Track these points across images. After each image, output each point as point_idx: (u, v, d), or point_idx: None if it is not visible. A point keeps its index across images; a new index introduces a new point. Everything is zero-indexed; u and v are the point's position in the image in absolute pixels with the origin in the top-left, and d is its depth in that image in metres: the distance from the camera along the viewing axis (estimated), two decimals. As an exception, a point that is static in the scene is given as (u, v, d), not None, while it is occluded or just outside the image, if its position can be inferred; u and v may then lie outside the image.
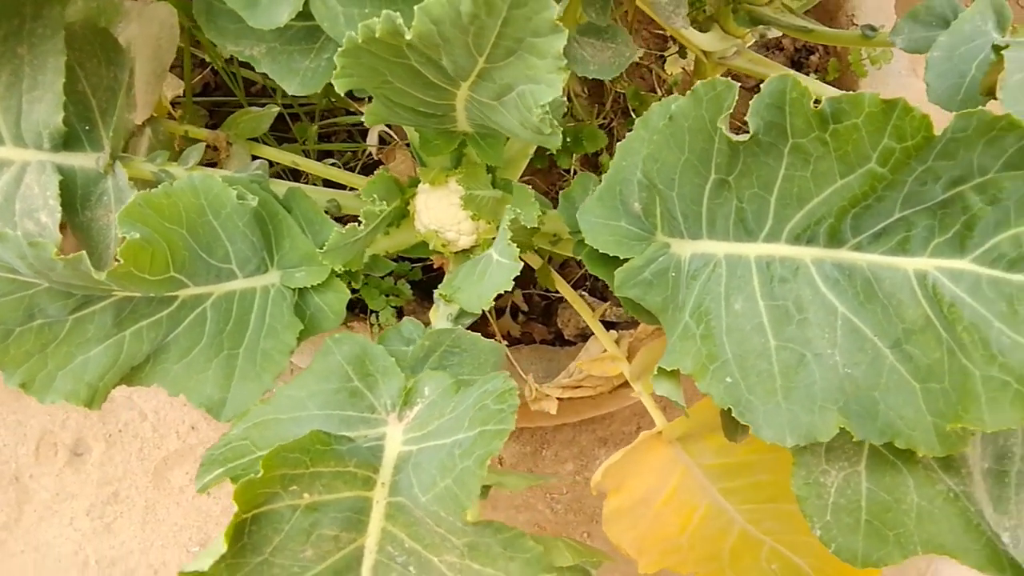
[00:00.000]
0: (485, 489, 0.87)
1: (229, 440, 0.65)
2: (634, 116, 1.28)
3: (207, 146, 0.95)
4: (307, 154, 1.16)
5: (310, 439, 0.59)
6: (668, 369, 0.61)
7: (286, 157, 0.93)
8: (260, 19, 0.59)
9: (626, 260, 0.68)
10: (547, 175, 1.24)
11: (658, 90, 1.31)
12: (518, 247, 0.79)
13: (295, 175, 1.12)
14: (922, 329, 0.53)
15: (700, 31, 0.99)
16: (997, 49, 0.55)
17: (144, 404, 1.67)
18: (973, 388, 0.50)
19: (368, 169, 1.19)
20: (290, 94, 0.65)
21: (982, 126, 0.45)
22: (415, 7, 0.48)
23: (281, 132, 1.19)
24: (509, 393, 0.57)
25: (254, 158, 0.91)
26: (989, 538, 0.54)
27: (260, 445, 0.63)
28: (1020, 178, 0.48)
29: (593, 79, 1.29)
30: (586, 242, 0.69)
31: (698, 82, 0.57)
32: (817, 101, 0.52)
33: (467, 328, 0.91)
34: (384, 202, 0.73)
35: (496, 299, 1.19)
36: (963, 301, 0.51)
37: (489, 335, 1.13)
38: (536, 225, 0.69)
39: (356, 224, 0.71)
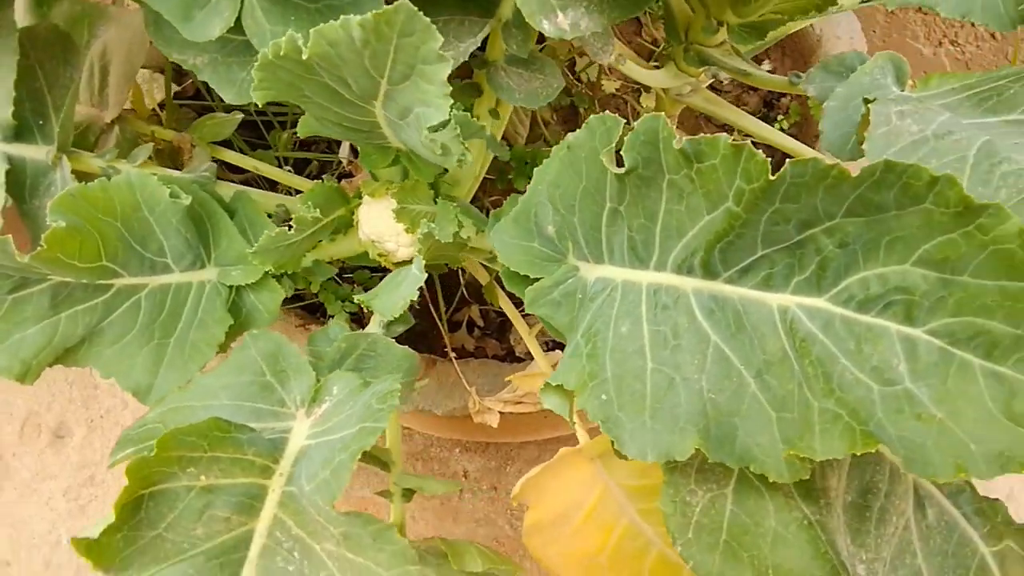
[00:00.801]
0: (408, 492, 0.91)
1: (145, 422, 0.69)
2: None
3: (175, 147, 1.00)
4: (283, 161, 1.21)
5: (208, 425, 0.62)
6: (553, 384, 0.64)
7: (247, 162, 0.98)
8: (195, 32, 0.63)
9: (537, 280, 0.72)
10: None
11: (631, 121, 1.34)
12: (446, 262, 0.82)
13: (272, 184, 1.17)
14: (780, 361, 0.56)
15: (658, 67, 1.03)
16: (867, 102, 0.58)
17: (127, 392, 1.73)
18: (811, 419, 0.52)
19: (342, 179, 1.24)
20: (227, 102, 0.70)
21: (818, 173, 0.48)
22: (311, 30, 0.53)
23: (258, 139, 1.24)
24: (391, 394, 0.60)
25: (215, 160, 0.96)
26: (834, 566, 0.56)
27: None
28: (862, 224, 0.51)
29: (570, 107, 1.34)
30: (500, 260, 0.72)
31: (592, 116, 0.61)
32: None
33: (408, 339, 0.95)
34: (318, 210, 0.77)
35: (453, 313, 1.24)
36: (815, 337, 0.54)
37: (442, 347, 1.17)
38: (451, 240, 0.73)
39: (287, 229, 0.75)
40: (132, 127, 0.95)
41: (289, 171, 0.99)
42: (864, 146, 0.56)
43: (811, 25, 1.37)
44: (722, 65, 0.93)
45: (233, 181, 1.09)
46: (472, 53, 0.75)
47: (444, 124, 0.57)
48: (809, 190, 0.50)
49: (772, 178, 0.49)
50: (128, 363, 0.76)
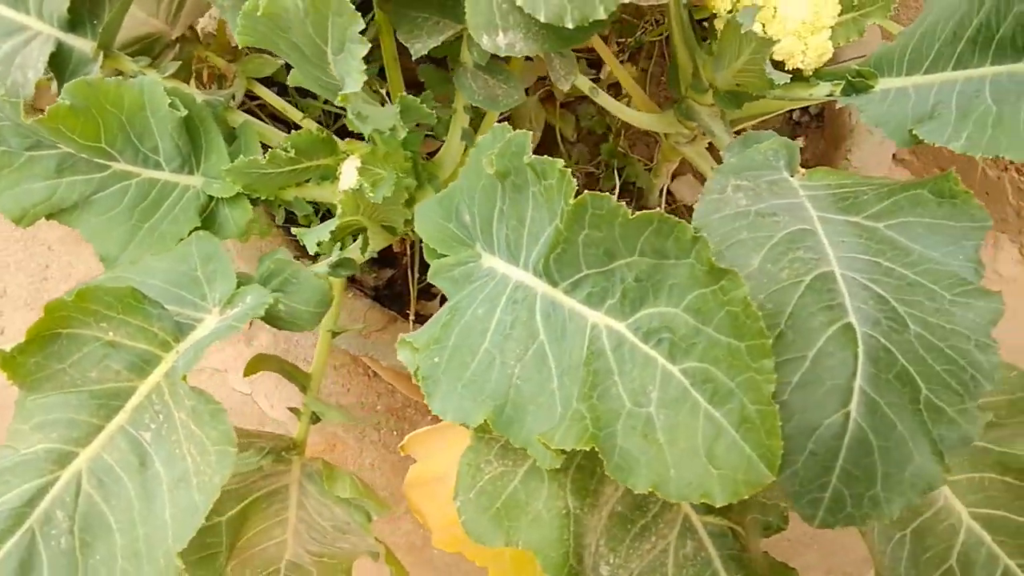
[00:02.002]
0: (315, 416, 1.02)
1: (91, 282, 0.83)
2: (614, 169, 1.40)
3: (222, 74, 1.15)
4: (331, 116, 1.35)
5: (125, 292, 0.75)
6: (408, 340, 0.74)
7: (276, 101, 1.12)
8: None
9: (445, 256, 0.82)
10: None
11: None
12: (384, 225, 0.94)
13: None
14: (576, 367, 0.64)
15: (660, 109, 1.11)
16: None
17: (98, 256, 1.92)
18: (566, 415, 0.60)
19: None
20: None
21: (611, 210, 0.57)
22: (267, -9, 0.64)
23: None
24: (260, 306, 0.72)
25: (251, 96, 1.10)
26: (567, 552, 0.64)
27: (108, 291, 0.81)
28: (652, 265, 0.59)
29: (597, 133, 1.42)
30: (417, 231, 0.83)
31: (496, 124, 0.70)
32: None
33: (386, 298, 1.07)
34: (295, 151, 0.89)
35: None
36: (604, 353, 0.62)
37: (405, 310, 1.29)
38: (385, 201, 0.84)
39: (258, 159, 0.87)
40: (191, 48, 1.10)
41: (319, 123, 1.12)
42: (696, 206, 0.63)
43: (849, 114, 1.41)
44: (701, 123, 1.00)
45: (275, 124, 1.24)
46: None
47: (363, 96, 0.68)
48: (608, 224, 0.58)
49: (576, 203, 0.58)
50: (106, 234, 0.90)
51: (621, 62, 1.44)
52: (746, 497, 0.51)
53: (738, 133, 1.47)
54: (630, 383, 0.60)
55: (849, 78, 0.84)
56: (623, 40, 1.44)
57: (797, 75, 0.89)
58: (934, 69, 0.76)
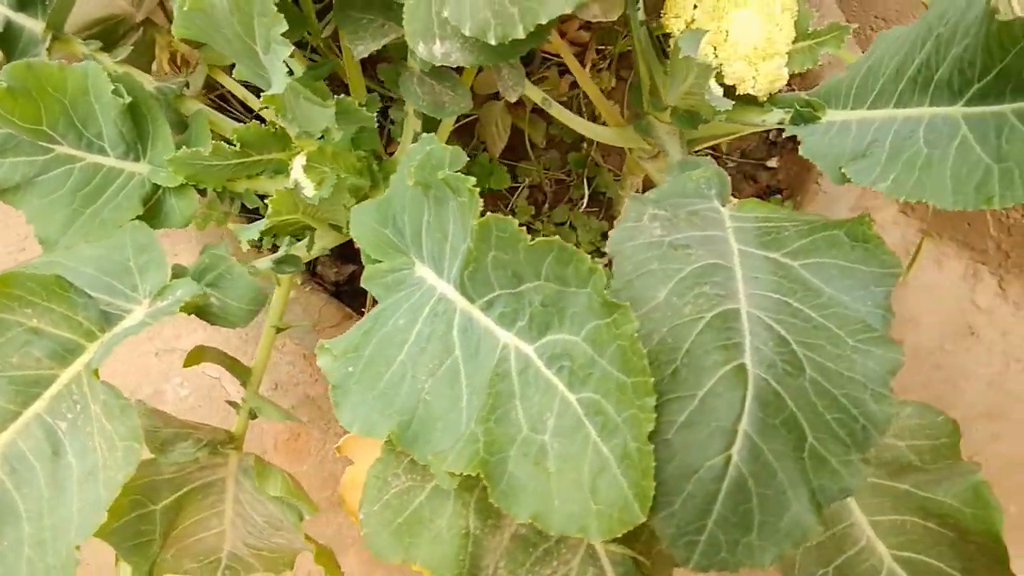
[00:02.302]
0: (251, 412, 1.02)
1: (25, 266, 0.83)
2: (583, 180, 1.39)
3: (185, 59, 1.14)
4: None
5: (50, 280, 0.75)
6: (327, 346, 0.73)
7: (238, 90, 1.11)
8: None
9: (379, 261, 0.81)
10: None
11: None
12: (332, 224, 0.93)
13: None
14: (483, 388, 0.63)
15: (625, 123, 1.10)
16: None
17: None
18: (460, 436, 0.60)
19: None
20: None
21: (514, 234, 0.56)
22: (192, -11, 0.64)
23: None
24: (178, 302, 0.72)
25: (215, 84, 1.10)
26: (460, 573, 0.63)
27: (38, 276, 0.80)
28: (556, 292, 0.58)
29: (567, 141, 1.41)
30: (352, 235, 0.82)
31: (423, 135, 0.69)
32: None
33: (346, 294, 1.06)
34: (240, 145, 0.89)
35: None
36: (510, 375, 0.62)
37: (363, 308, 1.28)
38: (316, 202, 0.83)
39: (201, 151, 0.87)
40: (153, 31, 1.09)
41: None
42: (610, 233, 0.62)
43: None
44: (658, 141, 0.99)
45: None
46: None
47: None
48: (512, 247, 0.57)
49: (481, 223, 0.57)
50: (47, 217, 0.90)
51: (599, 70, 1.43)
52: (619, 535, 0.50)
53: (713, 150, 1.46)
54: (530, 408, 0.59)
55: (798, 107, 0.83)
56: (604, 48, 1.43)
57: (751, 100, 0.89)
58: (877, 105, 0.75)
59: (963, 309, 1.94)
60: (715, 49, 0.84)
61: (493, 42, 0.60)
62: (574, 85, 1.40)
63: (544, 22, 0.57)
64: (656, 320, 0.58)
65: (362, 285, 0.82)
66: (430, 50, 0.70)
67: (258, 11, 0.62)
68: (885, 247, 0.59)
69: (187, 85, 0.99)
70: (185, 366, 1.01)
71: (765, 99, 0.90)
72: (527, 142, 1.32)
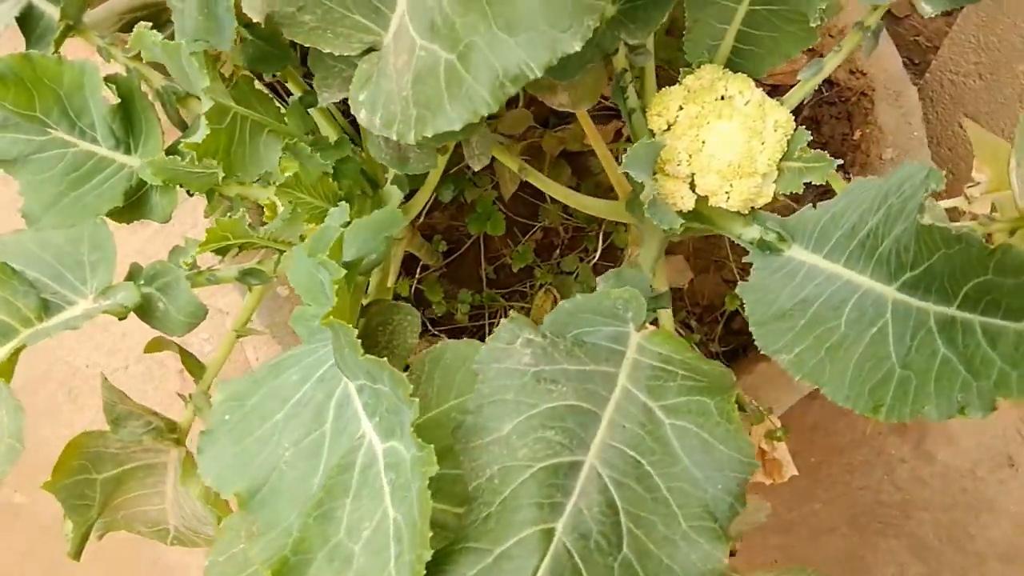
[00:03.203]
0: (197, 408, 1.04)
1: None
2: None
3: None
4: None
5: (-4, 265, 0.79)
6: (221, 385, 0.74)
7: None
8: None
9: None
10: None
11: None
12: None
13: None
14: (341, 471, 0.63)
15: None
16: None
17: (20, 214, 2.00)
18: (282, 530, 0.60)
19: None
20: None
21: (345, 334, 0.55)
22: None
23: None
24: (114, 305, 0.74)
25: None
26: None
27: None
28: (396, 404, 0.57)
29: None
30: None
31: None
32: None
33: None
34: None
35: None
36: (353, 471, 0.61)
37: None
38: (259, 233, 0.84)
39: (178, 156, 0.89)
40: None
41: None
42: (482, 347, 0.60)
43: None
44: (638, 227, 0.96)
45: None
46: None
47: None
48: (353, 352, 0.56)
49: (332, 325, 0.56)
50: (35, 193, 0.94)
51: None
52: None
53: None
54: (357, 511, 0.59)
55: (764, 236, 0.78)
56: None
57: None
58: (831, 256, 0.70)
59: (1007, 437, 1.81)
60: (689, 157, 0.80)
61: (395, 138, 0.59)
62: (619, 134, 1.37)
63: (429, 135, 0.55)
64: (493, 455, 0.56)
65: (290, 324, 0.82)
66: (370, 120, 0.69)
67: (185, 62, 0.63)
68: (744, 436, 0.55)
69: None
70: (145, 352, 1.04)
71: (747, 212, 0.85)
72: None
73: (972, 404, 0.51)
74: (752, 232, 0.84)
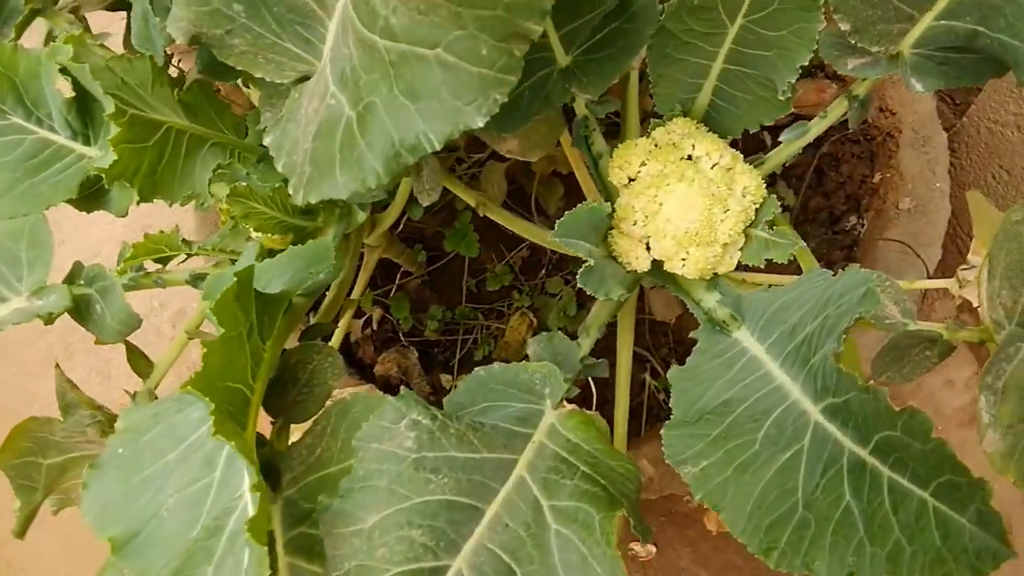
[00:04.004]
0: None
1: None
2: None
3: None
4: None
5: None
6: (124, 411, 0.72)
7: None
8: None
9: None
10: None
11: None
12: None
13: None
14: (208, 532, 0.60)
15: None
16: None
17: None
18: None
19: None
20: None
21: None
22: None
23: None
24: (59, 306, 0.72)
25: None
26: None
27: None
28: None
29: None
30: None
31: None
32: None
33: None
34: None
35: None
36: (221, 534, 0.58)
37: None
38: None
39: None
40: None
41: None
42: (364, 424, 0.57)
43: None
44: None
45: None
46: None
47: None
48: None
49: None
50: (-10, 178, 0.92)
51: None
52: None
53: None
54: (217, 579, 0.56)
55: (715, 313, 0.73)
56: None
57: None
58: (771, 351, 0.64)
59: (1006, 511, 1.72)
60: (646, 218, 0.74)
61: (290, 191, 0.55)
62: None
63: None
64: (353, 548, 0.52)
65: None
66: (290, 160, 0.65)
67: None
68: (619, 563, 0.50)
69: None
70: (96, 343, 1.03)
71: (709, 279, 0.79)
72: (532, 207, 1.25)
73: (863, 573, 0.46)
74: (709, 301, 0.78)
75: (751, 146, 1.32)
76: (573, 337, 0.87)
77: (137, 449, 0.68)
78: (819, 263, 1.35)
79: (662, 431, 0.59)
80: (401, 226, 1.28)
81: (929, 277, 1.22)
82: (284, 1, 0.59)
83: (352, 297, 1.13)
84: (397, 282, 1.30)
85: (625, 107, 0.87)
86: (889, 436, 0.48)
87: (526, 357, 1.32)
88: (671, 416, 0.62)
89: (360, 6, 0.51)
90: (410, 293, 1.31)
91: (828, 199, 1.38)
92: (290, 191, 0.55)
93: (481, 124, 0.48)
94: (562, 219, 0.65)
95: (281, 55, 0.65)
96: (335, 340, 1.09)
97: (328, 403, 0.75)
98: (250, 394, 0.67)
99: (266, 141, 0.58)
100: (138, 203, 0.69)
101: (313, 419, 0.70)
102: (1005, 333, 0.65)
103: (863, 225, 1.35)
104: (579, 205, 0.66)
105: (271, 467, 0.72)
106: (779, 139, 0.80)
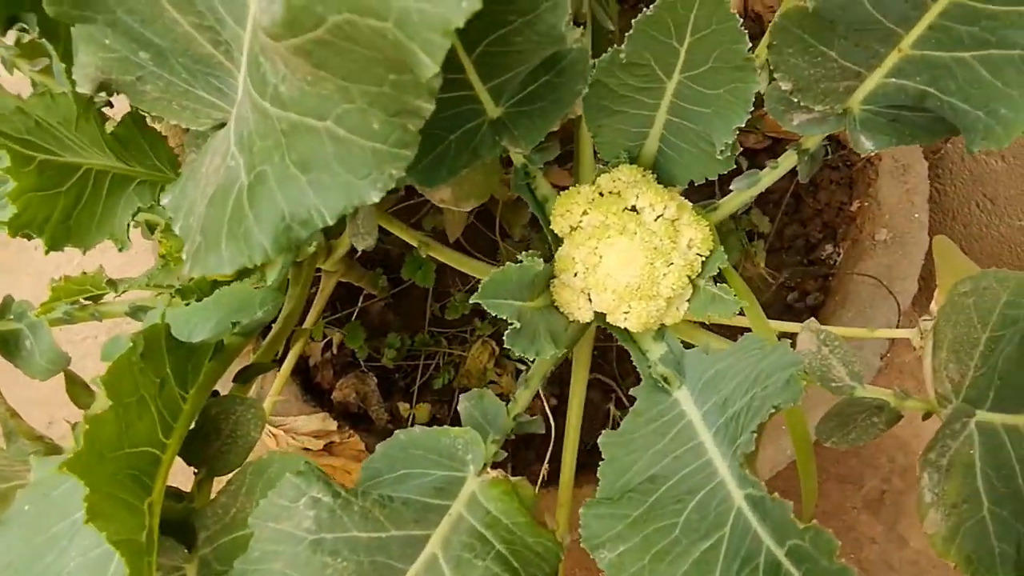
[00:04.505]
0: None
1: None
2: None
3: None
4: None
5: None
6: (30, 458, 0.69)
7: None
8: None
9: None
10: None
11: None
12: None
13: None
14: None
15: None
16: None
17: None
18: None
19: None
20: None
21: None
22: None
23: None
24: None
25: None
26: None
27: None
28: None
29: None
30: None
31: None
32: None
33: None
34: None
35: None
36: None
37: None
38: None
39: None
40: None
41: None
42: (261, 500, 0.54)
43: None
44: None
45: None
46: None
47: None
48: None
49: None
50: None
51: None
52: None
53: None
54: None
55: (656, 370, 0.70)
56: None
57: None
58: (706, 418, 0.62)
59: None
60: (586, 270, 0.71)
61: (184, 257, 0.52)
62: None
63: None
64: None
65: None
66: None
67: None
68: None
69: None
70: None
71: (656, 330, 0.76)
72: (497, 229, 1.22)
73: None
74: (656, 352, 0.75)
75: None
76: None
77: (44, 506, 0.65)
78: (792, 293, 1.33)
79: (580, 510, 0.56)
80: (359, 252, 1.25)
81: (902, 313, 1.19)
82: (189, 53, 0.56)
83: (305, 326, 1.10)
84: (360, 305, 1.27)
85: (579, 148, 0.83)
86: (799, 545, 0.45)
87: (492, 383, 1.30)
88: (597, 492, 0.59)
89: (253, 71, 0.48)
90: (373, 316, 1.28)
91: (804, 227, 1.34)
92: (184, 257, 0.52)
93: (376, 199, 0.45)
94: (487, 281, 0.61)
95: (195, 102, 0.61)
96: (286, 368, 1.06)
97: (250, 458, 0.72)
98: (161, 453, 0.64)
99: (164, 201, 0.55)
100: (46, 252, 0.66)
101: (228, 477, 0.67)
102: (951, 408, 0.62)
103: (839, 255, 1.31)
104: (508, 264, 0.63)
105: (187, 525, 0.69)
106: (730, 188, 0.76)
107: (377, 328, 1.27)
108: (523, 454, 1.19)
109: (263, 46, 0.45)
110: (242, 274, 0.96)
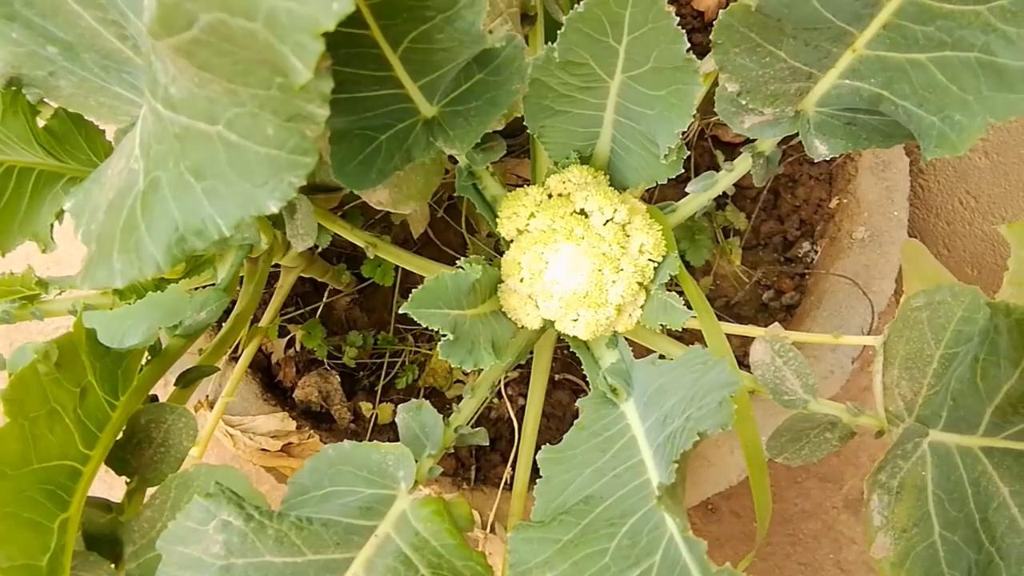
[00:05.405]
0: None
1: None
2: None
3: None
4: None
5: None
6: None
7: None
8: None
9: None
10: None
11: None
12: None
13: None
14: None
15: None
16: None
17: None
18: None
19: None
20: None
21: None
22: None
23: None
24: None
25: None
26: None
27: None
28: None
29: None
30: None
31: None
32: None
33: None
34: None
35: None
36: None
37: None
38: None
39: None
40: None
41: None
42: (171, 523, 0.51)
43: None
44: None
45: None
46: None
47: None
48: None
49: None
50: None
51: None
52: None
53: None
54: None
55: (607, 381, 0.67)
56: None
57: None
58: (648, 435, 0.59)
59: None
60: (531, 276, 0.68)
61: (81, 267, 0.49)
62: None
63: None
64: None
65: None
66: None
67: None
68: None
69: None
70: None
71: (609, 338, 0.73)
72: (463, 224, 1.18)
73: None
74: (608, 359, 0.73)
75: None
76: (519, 366, 0.79)
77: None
78: (768, 291, 1.30)
79: (508, 534, 0.54)
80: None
81: (877, 315, 1.16)
82: (97, 48, 0.53)
83: (262, 324, 1.07)
84: (324, 301, 1.24)
85: (534, 146, 0.80)
86: (718, 586, 0.42)
87: (458, 382, 1.27)
88: (533, 511, 0.56)
89: (147, 71, 0.45)
90: (338, 312, 1.25)
91: (782, 223, 1.31)
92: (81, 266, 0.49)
93: (275, 209, 0.42)
94: (419, 290, 0.59)
95: (113, 99, 0.58)
96: (239, 368, 1.03)
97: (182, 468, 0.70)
98: (81, 465, 0.61)
99: (66, 205, 0.52)
100: (-41, 256, 0.63)
101: (154, 491, 0.65)
102: (903, 427, 0.59)
103: (816, 252, 1.28)
104: (442, 272, 0.60)
105: (114, 538, 0.66)
106: (687, 189, 0.73)
107: (342, 325, 1.24)
108: (488, 456, 1.16)
109: (153, 45, 0.42)
110: (191, 271, 0.93)
